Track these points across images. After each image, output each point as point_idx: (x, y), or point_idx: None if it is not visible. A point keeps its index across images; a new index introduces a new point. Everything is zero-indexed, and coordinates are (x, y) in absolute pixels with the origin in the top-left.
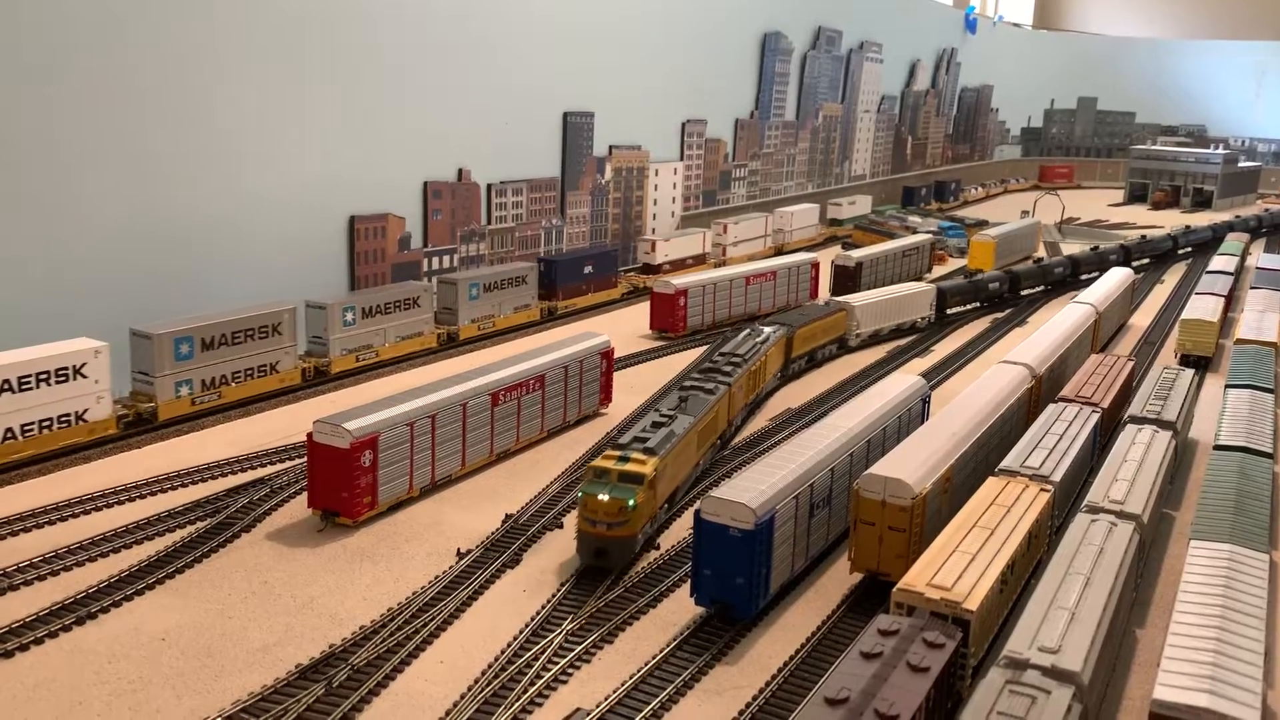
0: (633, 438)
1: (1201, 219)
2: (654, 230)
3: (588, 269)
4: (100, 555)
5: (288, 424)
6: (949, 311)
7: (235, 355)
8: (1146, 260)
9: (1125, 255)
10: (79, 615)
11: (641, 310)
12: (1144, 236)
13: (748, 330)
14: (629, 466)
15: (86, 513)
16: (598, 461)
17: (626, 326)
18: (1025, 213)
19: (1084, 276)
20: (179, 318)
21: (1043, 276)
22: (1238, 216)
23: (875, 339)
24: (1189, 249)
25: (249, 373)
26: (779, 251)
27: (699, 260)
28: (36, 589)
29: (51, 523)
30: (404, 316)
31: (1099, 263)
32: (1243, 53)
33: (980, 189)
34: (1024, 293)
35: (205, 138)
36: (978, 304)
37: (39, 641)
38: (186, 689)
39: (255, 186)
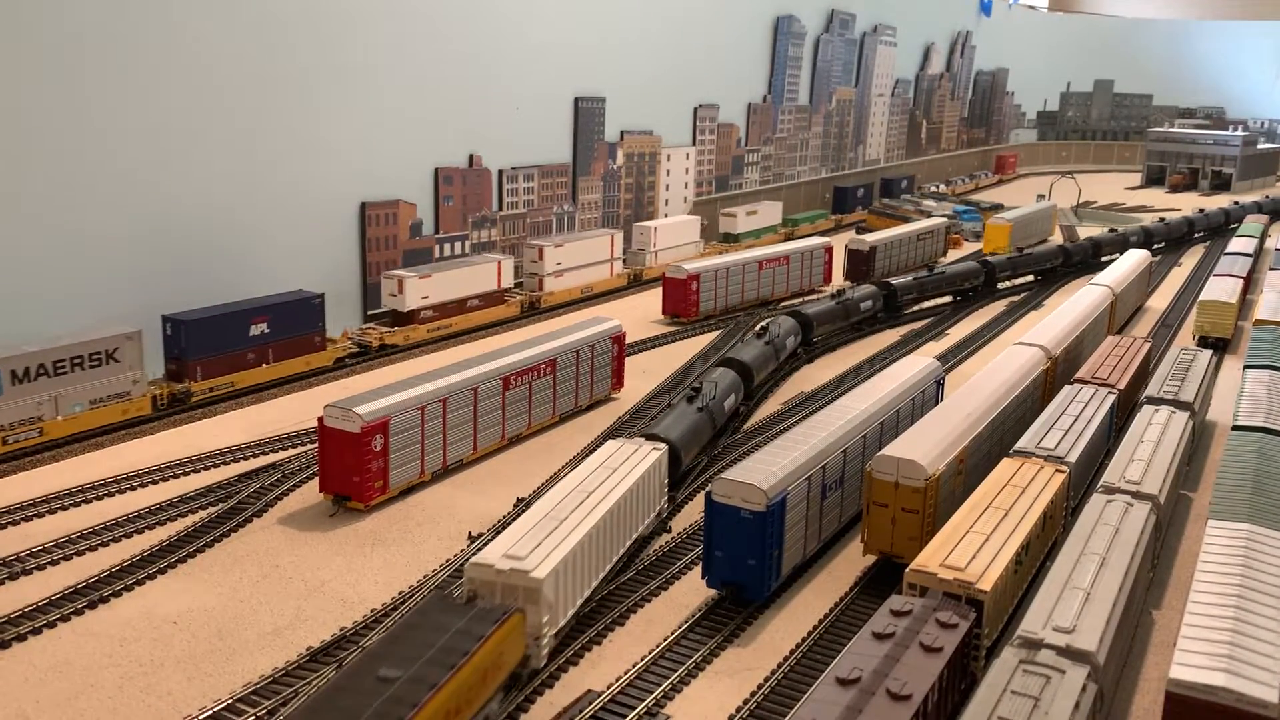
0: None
1: (1216, 200)
2: (667, 215)
3: (259, 328)
4: (113, 540)
5: (300, 409)
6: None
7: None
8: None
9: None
10: (92, 599)
11: (649, 299)
12: (1112, 231)
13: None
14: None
15: (99, 498)
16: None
17: (638, 311)
18: (1041, 196)
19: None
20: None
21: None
22: (1237, 203)
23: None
24: (1160, 244)
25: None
26: (633, 281)
27: (493, 300)
28: (50, 573)
29: (65, 508)
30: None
31: (1029, 264)
32: (1262, 34)
33: (944, 186)
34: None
35: (216, 126)
36: (848, 328)
37: (52, 625)
38: (198, 671)
39: (266, 174)
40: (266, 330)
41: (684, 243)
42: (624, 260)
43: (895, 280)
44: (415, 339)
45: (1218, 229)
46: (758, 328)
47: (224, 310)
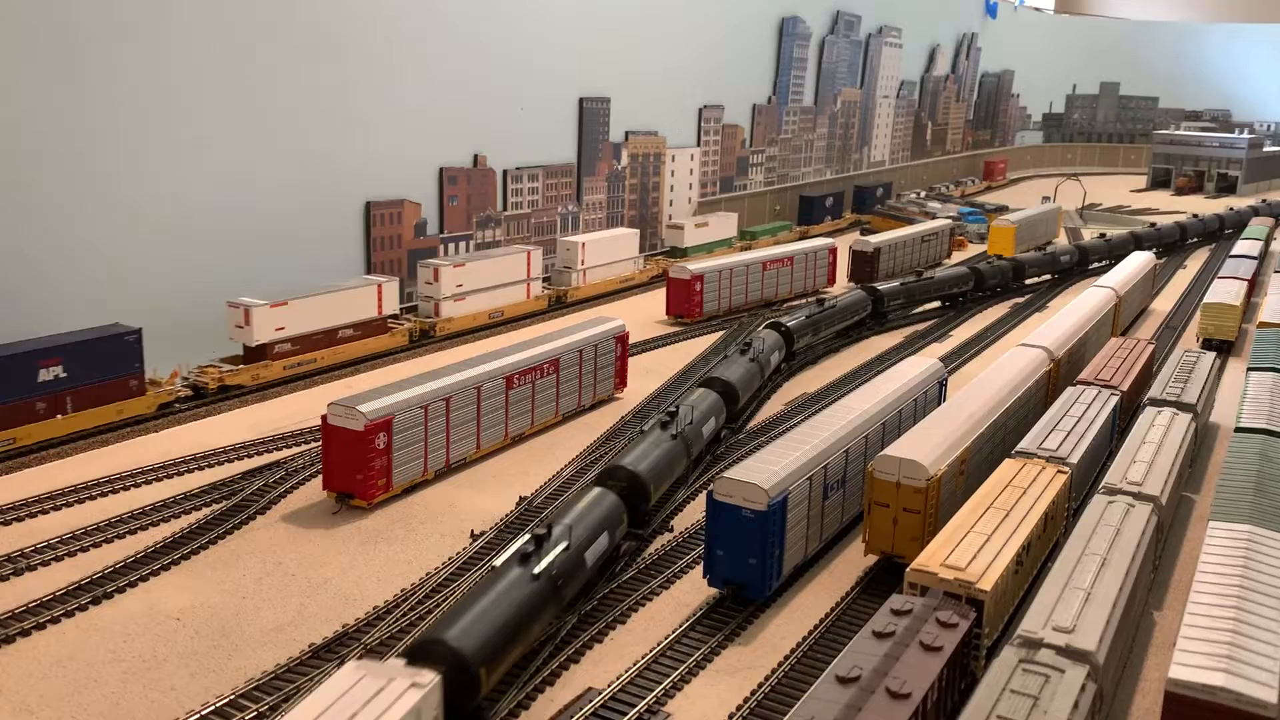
0: None
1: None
2: (671, 216)
3: (50, 371)
4: (117, 536)
5: (305, 408)
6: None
7: None
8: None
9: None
10: (95, 595)
11: (655, 299)
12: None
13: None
14: None
15: (104, 494)
16: None
17: (643, 311)
18: (1046, 198)
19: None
20: None
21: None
22: (1232, 208)
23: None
24: (1098, 266)
25: None
26: (558, 302)
27: (372, 329)
28: (54, 569)
29: (69, 504)
30: None
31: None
32: (1268, 36)
33: (922, 193)
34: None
35: (220, 125)
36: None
37: (56, 620)
38: (200, 668)
39: (271, 172)
40: (62, 374)
41: (618, 259)
42: (548, 279)
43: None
44: (268, 378)
45: (1213, 234)
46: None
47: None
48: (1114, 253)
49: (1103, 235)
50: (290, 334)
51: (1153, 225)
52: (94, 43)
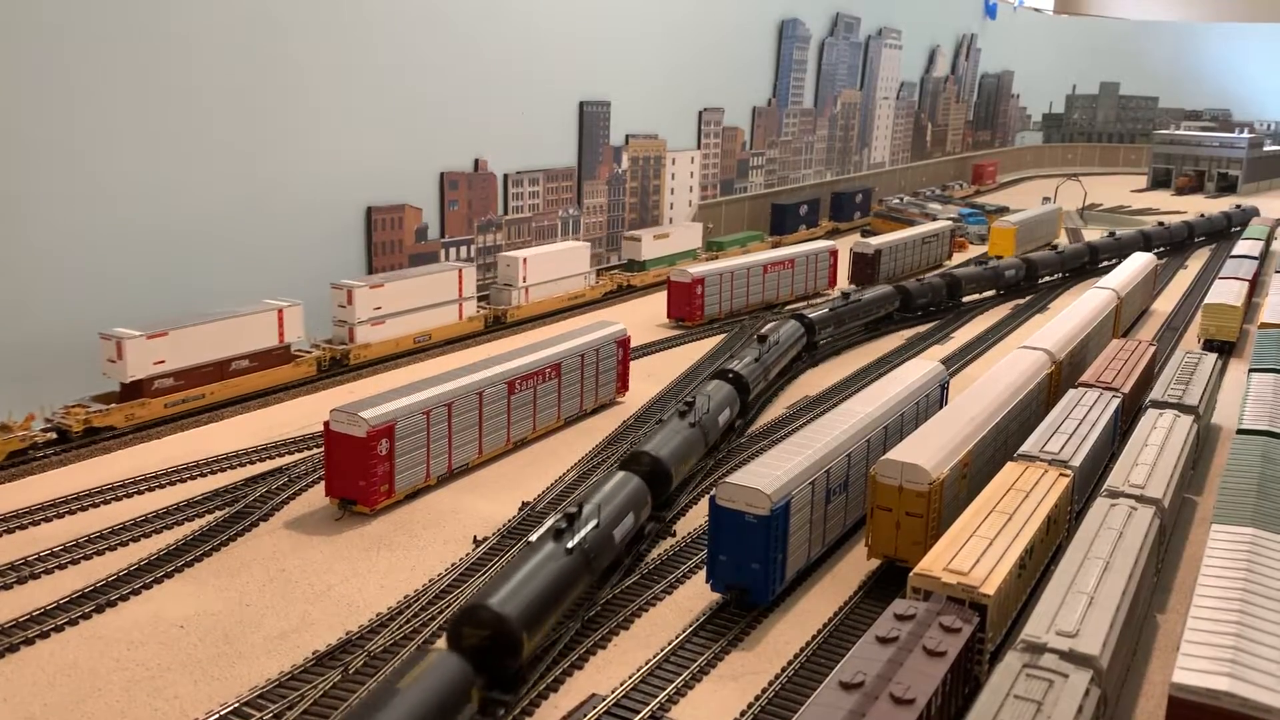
0: None
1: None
2: (672, 220)
3: None
4: (120, 544)
5: (306, 414)
6: None
7: None
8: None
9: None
10: (99, 603)
11: (655, 302)
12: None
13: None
14: None
15: (106, 502)
16: None
17: (643, 315)
18: (1047, 199)
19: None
20: None
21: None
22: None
23: None
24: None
25: None
26: (494, 324)
27: (272, 359)
28: (57, 577)
29: (72, 512)
30: None
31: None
32: (1268, 36)
33: (904, 199)
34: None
35: (221, 129)
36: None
37: (60, 629)
38: (204, 675)
39: (272, 178)
40: None
41: (566, 275)
42: (487, 297)
43: (812, 314)
44: (145, 417)
45: (1180, 244)
46: (680, 405)
47: None
48: (1125, 251)
49: (1111, 233)
50: (171, 368)
51: (1157, 226)
52: (92, 44)
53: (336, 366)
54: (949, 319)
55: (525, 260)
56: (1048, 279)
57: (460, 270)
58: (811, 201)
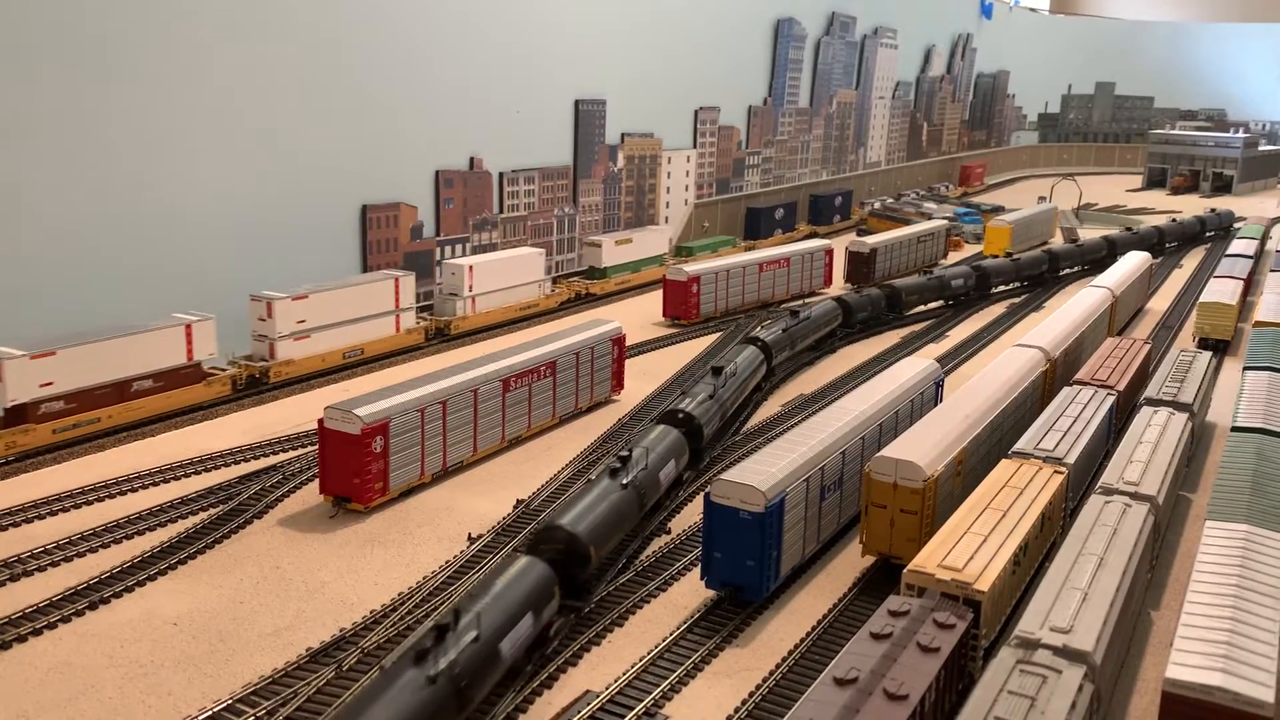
0: None
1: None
2: (668, 219)
3: None
4: (114, 541)
5: (300, 412)
6: None
7: None
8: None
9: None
10: (92, 600)
11: (654, 299)
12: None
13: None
14: None
15: (100, 499)
16: None
17: (639, 314)
18: (1042, 198)
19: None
20: None
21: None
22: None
23: None
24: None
25: None
26: (439, 334)
27: (180, 378)
28: (50, 574)
29: (65, 509)
30: None
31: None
32: (1263, 35)
33: (889, 199)
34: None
35: (216, 126)
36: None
37: (53, 626)
38: (198, 673)
39: (267, 175)
40: None
41: (517, 284)
42: (429, 309)
43: (766, 335)
44: (30, 444)
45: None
46: (613, 461)
47: None
48: (1086, 258)
49: (1073, 240)
50: (61, 390)
51: (1128, 230)
52: (89, 44)
53: (254, 385)
54: (946, 316)
55: (471, 268)
56: (1002, 288)
57: (397, 279)
58: (789, 205)
